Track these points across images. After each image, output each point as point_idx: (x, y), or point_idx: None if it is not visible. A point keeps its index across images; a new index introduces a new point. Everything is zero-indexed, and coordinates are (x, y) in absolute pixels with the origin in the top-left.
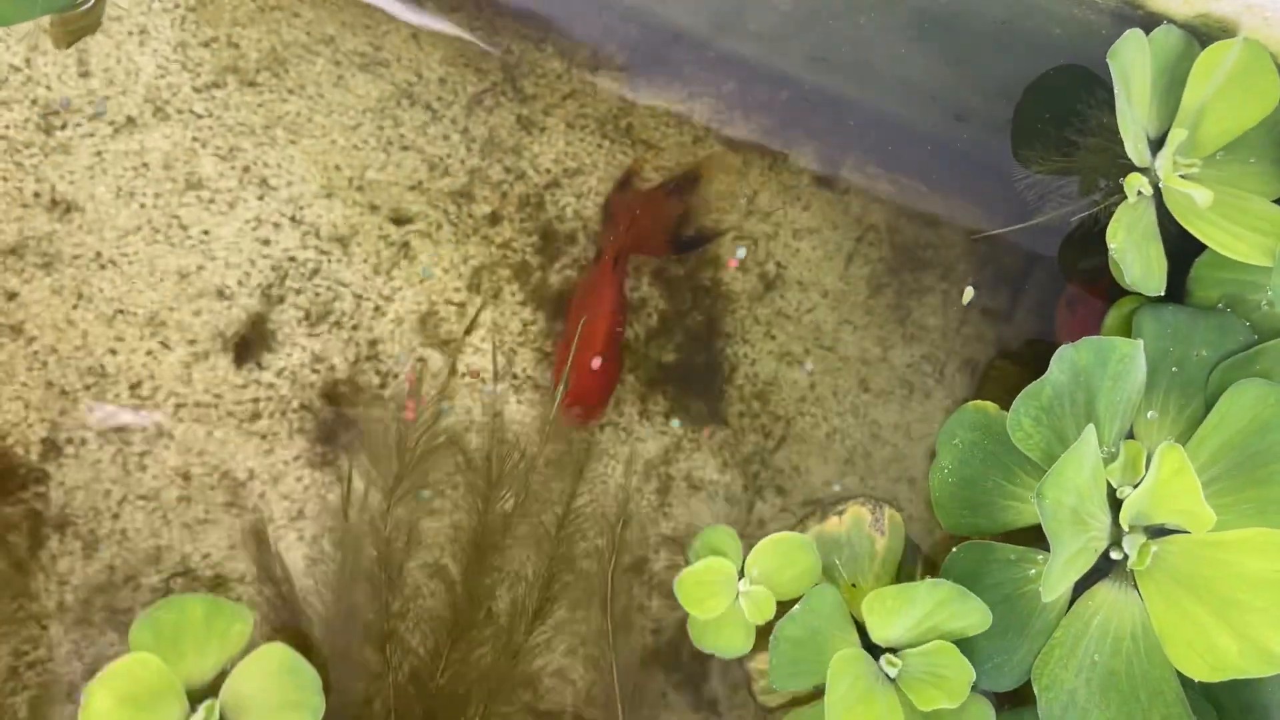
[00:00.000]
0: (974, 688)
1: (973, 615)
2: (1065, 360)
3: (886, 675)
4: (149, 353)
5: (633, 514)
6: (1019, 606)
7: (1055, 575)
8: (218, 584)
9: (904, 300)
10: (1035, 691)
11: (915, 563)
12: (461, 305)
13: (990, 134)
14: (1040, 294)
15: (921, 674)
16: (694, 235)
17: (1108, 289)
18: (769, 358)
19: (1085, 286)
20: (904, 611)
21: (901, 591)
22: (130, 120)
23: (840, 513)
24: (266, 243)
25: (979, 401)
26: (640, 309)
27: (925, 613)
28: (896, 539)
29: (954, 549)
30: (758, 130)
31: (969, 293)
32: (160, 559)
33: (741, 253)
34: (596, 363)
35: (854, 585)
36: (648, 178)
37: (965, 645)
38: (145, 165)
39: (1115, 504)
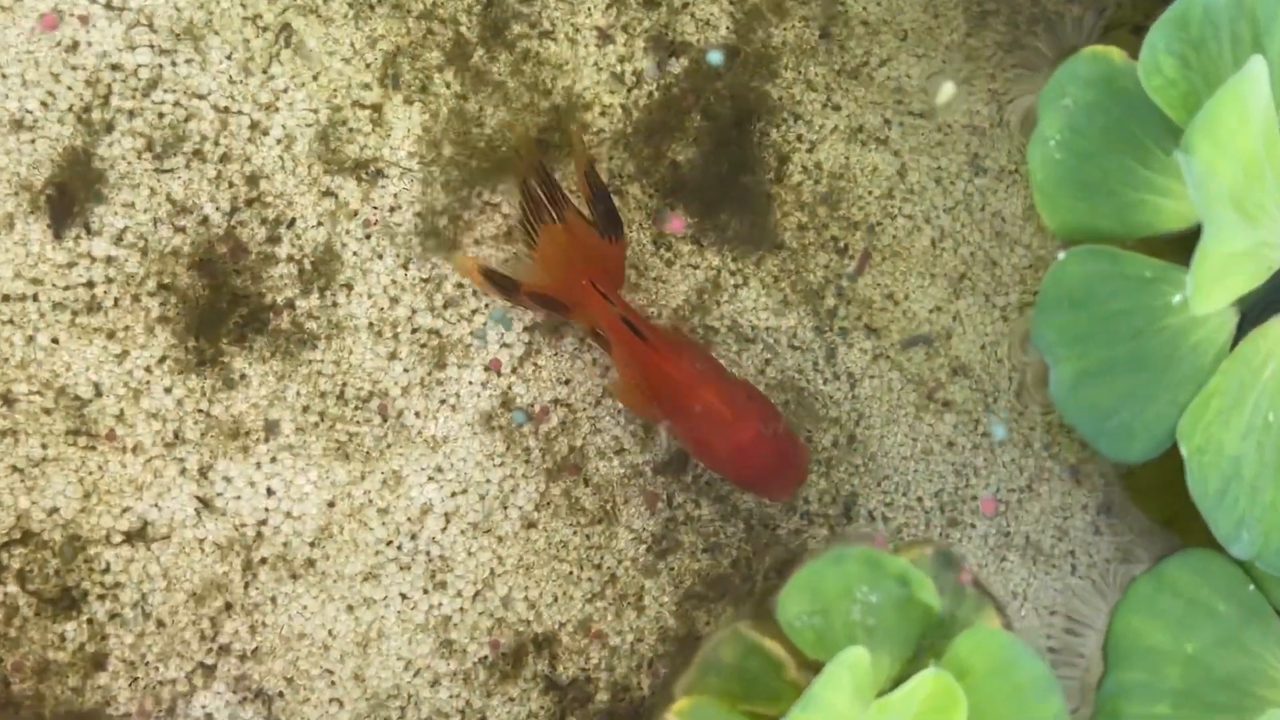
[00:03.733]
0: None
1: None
2: None
3: None
4: None
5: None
6: (1155, 343)
7: (1208, 275)
8: (75, 548)
9: (1019, 34)
10: (1184, 455)
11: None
12: (376, 108)
13: None
14: None
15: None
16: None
17: None
18: (835, 139)
19: None
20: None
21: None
22: None
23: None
24: (74, 47)
25: (1098, 47)
26: (634, 88)
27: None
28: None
29: (1061, 255)
30: None
31: (947, 89)
32: None
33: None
34: (760, 424)
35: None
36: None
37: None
38: None
39: None
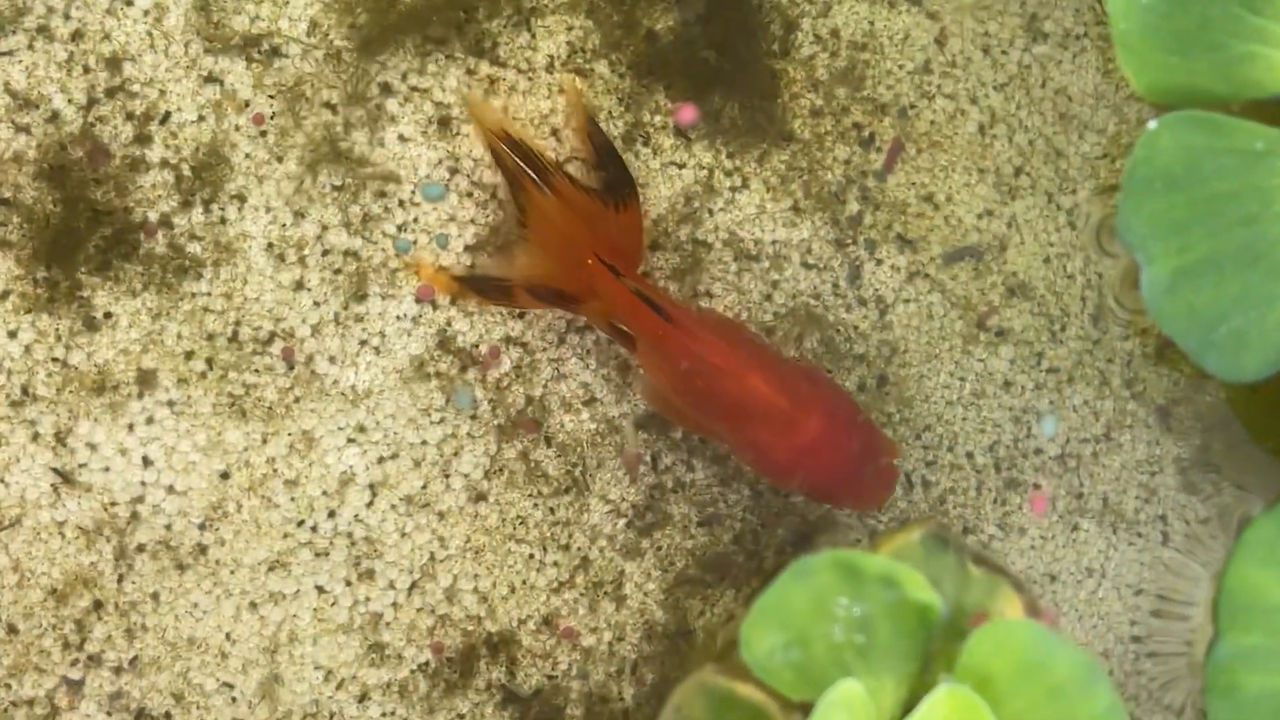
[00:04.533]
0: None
1: None
2: None
3: None
4: None
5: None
6: (1273, 232)
7: None
8: None
9: None
10: None
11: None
12: None
13: None
14: None
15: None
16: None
17: None
18: None
19: None
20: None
21: None
22: None
23: None
24: None
25: None
26: None
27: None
28: None
29: (1152, 124)
30: None
31: None
32: None
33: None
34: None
35: None
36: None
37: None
38: None
39: None
